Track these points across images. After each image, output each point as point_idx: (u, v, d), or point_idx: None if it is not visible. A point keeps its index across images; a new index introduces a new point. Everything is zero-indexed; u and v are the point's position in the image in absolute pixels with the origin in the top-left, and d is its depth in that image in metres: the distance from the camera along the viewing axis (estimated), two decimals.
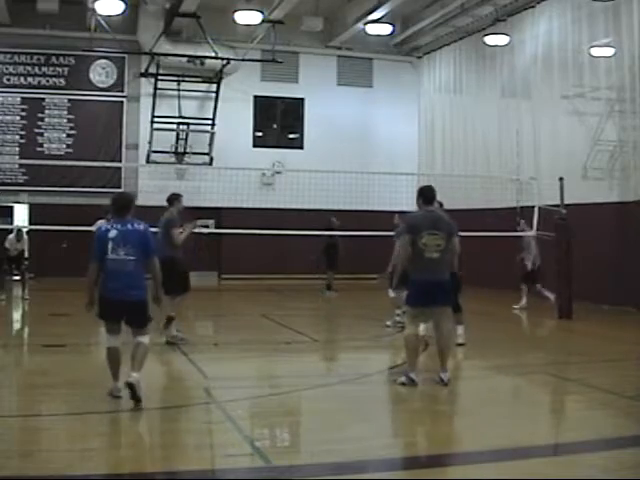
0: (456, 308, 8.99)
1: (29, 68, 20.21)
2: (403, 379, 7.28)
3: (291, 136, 22.73)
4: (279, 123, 22.87)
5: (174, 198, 10.47)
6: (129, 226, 6.55)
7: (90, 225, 16.77)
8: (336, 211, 17.05)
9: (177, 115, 20.51)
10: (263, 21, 17.98)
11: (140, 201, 20.40)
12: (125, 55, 20.44)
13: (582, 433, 5.93)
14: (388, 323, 11.30)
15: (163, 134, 20.30)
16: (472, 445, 5.87)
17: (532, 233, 14.20)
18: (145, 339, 6.68)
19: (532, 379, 8.21)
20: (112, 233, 6.51)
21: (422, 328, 10.57)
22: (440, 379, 7.24)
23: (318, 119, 22.07)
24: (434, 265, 7.17)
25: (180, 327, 10.08)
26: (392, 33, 19.78)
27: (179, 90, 20.53)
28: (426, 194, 7.51)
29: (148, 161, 20.21)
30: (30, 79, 20.21)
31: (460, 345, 9.57)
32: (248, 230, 15.78)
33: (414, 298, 7.38)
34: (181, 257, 9.94)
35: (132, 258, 6.46)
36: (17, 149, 20.15)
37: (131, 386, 6.31)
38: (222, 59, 19.90)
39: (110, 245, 6.47)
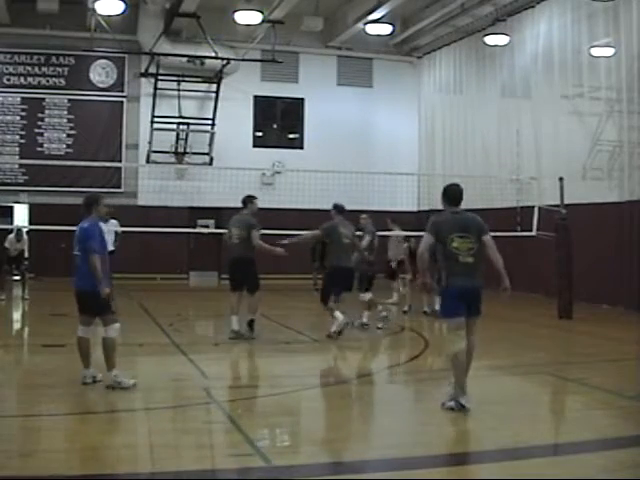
0: None
1: (29, 68, 20.21)
2: (452, 404, 6.41)
3: (291, 136, 22.74)
4: (279, 123, 22.87)
5: (249, 200, 10.65)
6: (80, 224, 7.22)
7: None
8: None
9: (177, 115, 20.51)
10: (263, 21, 17.97)
11: (140, 201, 20.57)
12: (125, 55, 20.45)
13: (582, 433, 5.93)
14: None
15: (163, 134, 20.30)
16: (472, 445, 5.88)
17: (396, 233, 14.04)
18: (109, 331, 7.13)
19: (532, 379, 8.21)
20: (76, 231, 7.27)
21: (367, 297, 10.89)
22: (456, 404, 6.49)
23: (318, 119, 22.08)
24: (468, 269, 6.50)
25: (186, 327, 10.09)
26: (392, 33, 19.77)
27: (179, 90, 20.53)
28: (451, 193, 6.76)
29: (148, 161, 20.21)
30: (30, 79, 20.21)
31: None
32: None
33: (453, 308, 6.54)
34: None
35: (78, 254, 7.12)
36: (17, 149, 20.16)
37: (111, 387, 6.97)
38: (222, 59, 19.90)
39: (74, 242, 7.24)
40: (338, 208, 10.74)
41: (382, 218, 13.73)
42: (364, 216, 12.17)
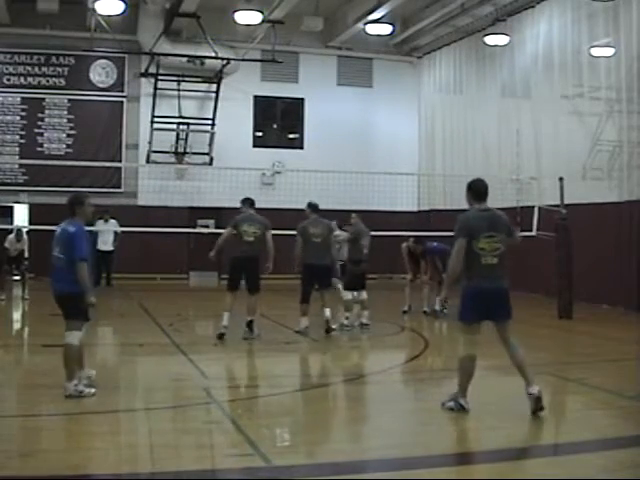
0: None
1: (29, 68, 20.20)
2: (452, 404, 6.39)
3: (291, 136, 22.73)
4: (279, 123, 22.87)
5: (251, 202, 10.87)
6: (64, 226, 6.86)
7: (90, 225, 16.87)
8: (336, 211, 17.07)
9: (177, 115, 20.50)
10: (263, 21, 17.96)
11: (140, 201, 20.56)
12: (125, 55, 20.43)
13: (582, 433, 5.93)
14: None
15: (163, 134, 20.29)
16: (472, 445, 5.88)
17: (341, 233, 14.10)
18: (72, 337, 6.77)
19: None
20: (56, 231, 6.97)
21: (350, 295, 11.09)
22: (529, 393, 6.28)
23: (318, 119, 22.07)
24: (492, 271, 6.26)
25: (186, 327, 10.08)
26: (392, 33, 19.76)
27: (179, 90, 20.53)
28: (477, 189, 6.41)
29: (148, 161, 20.20)
30: (30, 79, 20.20)
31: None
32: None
33: (470, 312, 6.36)
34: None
35: (61, 256, 6.77)
36: (17, 149, 20.14)
37: (70, 397, 6.58)
38: (222, 59, 19.89)
39: (53, 243, 6.91)
40: (312, 207, 11.11)
41: (383, 218, 13.74)
42: (354, 215, 12.19)
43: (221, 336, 10.12)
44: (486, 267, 6.26)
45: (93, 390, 6.73)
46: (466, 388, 6.41)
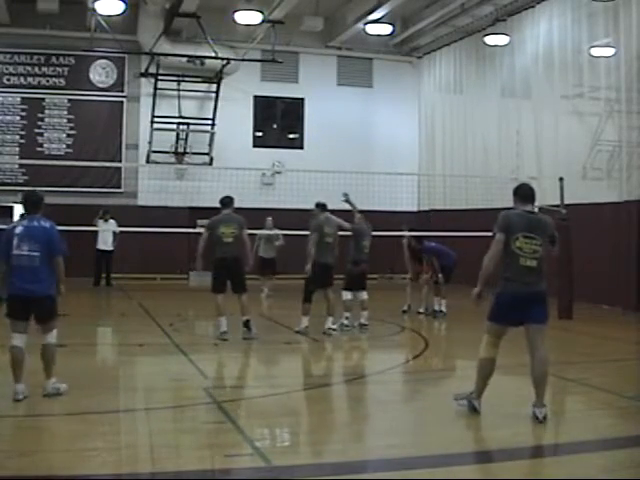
0: None
1: (29, 68, 20.20)
2: (464, 402, 6.37)
3: (291, 136, 22.73)
4: (279, 123, 22.86)
5: (231, 200, 10.82)
6: (37, 223, 6.64)
7: (90, 225, 16.89)
8: (336, 211, 17.08)
9: (177, 115, 20.50)
10: (263, 21, 17.97)
11: (140, 201, 20.57)
12: (125, 55, 20.43)
13: (582, 433, 5.94)
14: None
15: (163, 134, 20.29)
16: (472, 445, 5.88)
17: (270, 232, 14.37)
18: (51, 337, 6.66)
19: None
20: (18, 229, 6.63)
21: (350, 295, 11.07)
22: (534, 415, 6.11)
23: (318, 119, 22.08)
24: (529, 274, 6.26)
25: (186, 327, 10.07)
26: (392, 33, 19.77)
27: (179, 90, 20.53)
28: (523, 192, 6.43)
29: (148, 161, 20.20)
30: (30, 79, 20.20)
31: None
32: (248, 230, 15.81)
33: (499, 313, 6.31)
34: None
35: (36, 254, 6.51)
36: (17, 149, 20.14)
37: (48, 395, 6.53)
38: (222, 59, 19.89)
39: (15, 241, 6.55)
40: (321, 206, 11.15)
41: (383, 218, 13.73)
42: (359, 216, 12.18)
43: (224, 339, 10.13)
44: (524, 269, 6.21)
45: (65, 385, 6.70)
46: (482, 390, 6.35)
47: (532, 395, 7.60)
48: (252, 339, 10.23)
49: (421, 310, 13.51)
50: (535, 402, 6.21)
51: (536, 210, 6.53)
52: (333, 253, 10.98)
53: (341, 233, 11.29)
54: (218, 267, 10.45)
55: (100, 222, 17.74)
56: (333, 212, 11.36)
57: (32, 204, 6.79)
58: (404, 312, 13.62)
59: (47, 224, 6.69)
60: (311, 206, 11.42)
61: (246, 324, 10.33)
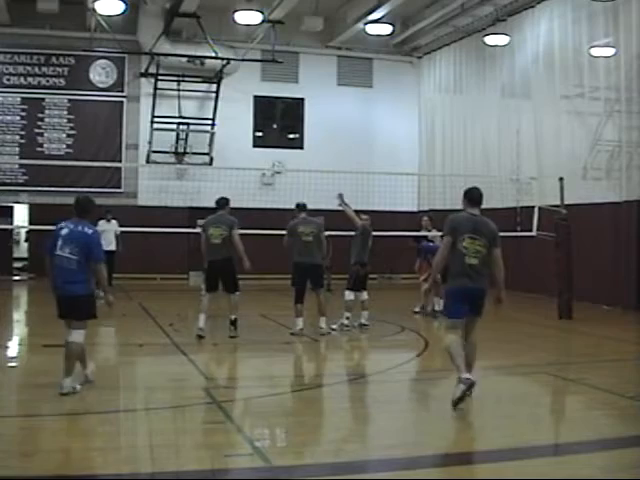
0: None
1: (29, 68, 20.20)
2: (462, 387, 6.45)
3: (291, 136, 22.73)
4: (279, 123, 22.87)
5: (225, 201, 10.85)
6: (81, 228, 6.90)
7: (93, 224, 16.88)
8: (336, 211, 17.10)
9: (177, 115, 20.51)
10: (263, 21, 17.97)
11: (140, 201, 20.57)
12: (125, 55, 20.44)
13: (582, 433, 5.94)
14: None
15: (163, 134, 20.30)
16: (472, 445, 5.87)
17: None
18: (77, 336, 6.91)
19: (532, 379, 8.21)
20: (64, 231, 6.91)
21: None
22: (465, 378, 6.46)
23: (318, 119, 22.08)
24: (472, 270, 6.64)
25: (186, 327, 10.06)
26: (392, 33, 19.77)
27: (179, 90, 20.53)
28: (471, 195, 6.90)
29: (148, 161, 20.21)
30: (30, 79, 20.21)
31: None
32: (248, 230, 15.83)
33: (453, 309, 6.77)
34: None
35: (74, 257, 6.79)
36: (17, 149, 20.15)
37: (65, 394, 6.70)
38: (222, 59, 19.90)
39: (59, 242, 6.85)
40: (300, 206, 11.07)
41: (382, 218, 13.73)
42: (365, 217, 12.16)
43: (200, 337, 10.10)
44: (467, 266, 6.67)
45: (79, 386, 6.89)
46: (462, 366, 6.52)
47: (532, 395, 7.62)
48: (238, 337, 10.23)
49: (417, 309, 13.49)
50: (465, 370, 6.54)
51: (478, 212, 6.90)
52: (316, 252, 10.83)
53: (343, 233, 11.26)
54: (208, 268, 10.57)
55: (102, 222, 17.72)
56: (331, 212, 11.34)
57: (82, 209, 7.05)
58: (416, 313, 13.52)
59: (90, 230, 6.96)
60: (311, 206, 11.42)
61: (233, 322, 10.36)
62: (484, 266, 6.74)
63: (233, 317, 10.42)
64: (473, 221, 6.77)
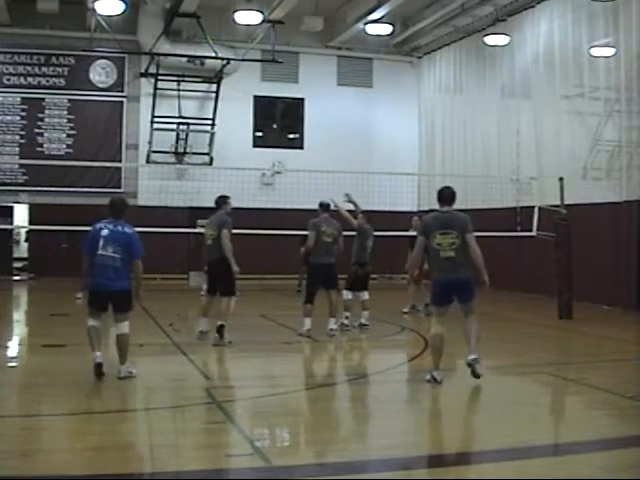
0: None
1: (29, 68, 20.21)
2: (428, 377, 7.38)
3: (291, 136, 22.74)
4: (279, 123, 22.88)
5: (222, 200, 10.52)
6: (121, 228, 7.52)
7: (91, 225, 16.87)
8: (335, 212, 17.10)
9: (177, 115, 20.52)
10: (263, 21, 17.97)
11: (140, 201, 20.55)
12: (125, 55, 20.45)
13: (582, 433, 5.93)
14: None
15: (163, 134, 20.30)
16: (472, 445, 5.87)
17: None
18: (125, 327, 7.54)
19: (532, 379, 8.21)
20: (105, 232, 7.47)
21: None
22: (467, 363, 7.29)
23: (318, 119, 22.08)
24: (449, 262, 7.24)
25: (186, 327, 10.02)
26: (392, 33, 19.78)
27: (179, 90, 20.54)
28: (440, 195, 7.56)
29: (148, 161, 20.22)
30: (30, 79, 20.21)
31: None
32: (248, 230, 15.83)
33: (437, 298, 7.53)
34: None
35: (117, 256, 7.39)
36: (17, 149, 20.16)
37: (123, 378, 7.39)
38: (222, 59, 19.91)
39: (101, 242, 7.41)
40: (324, 206, 10.94)
41: (382, 218, 13.71)
42: (360, 216, 12.16)
43: (202, 338, 10.03)
44: (444, 260, 7.27)
45: (135, 371, 7.56)
46: (438, 362, 7.33)
47: (532, 395, 7.62)
48: (223, 345, 9.75)
49: (405, 310, 13.47)
50: (468, 352, 7.28)
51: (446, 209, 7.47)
52: (333, 253, 10.74)
53: (345, 233, 11.22)
54: (207, 269, 10.49)
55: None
56: (331, 212, 11.30)
57: (117, 209, 7.65)
58: (418, 311, 13.49)
59: (130, 230, 7.54)
60: (311, 206, 11.40)
61: (219, 329, 9.83)
62: (463, 256, 7.25)
63: (219, 323, 9.84)
64: (442, 218, 7.37)
